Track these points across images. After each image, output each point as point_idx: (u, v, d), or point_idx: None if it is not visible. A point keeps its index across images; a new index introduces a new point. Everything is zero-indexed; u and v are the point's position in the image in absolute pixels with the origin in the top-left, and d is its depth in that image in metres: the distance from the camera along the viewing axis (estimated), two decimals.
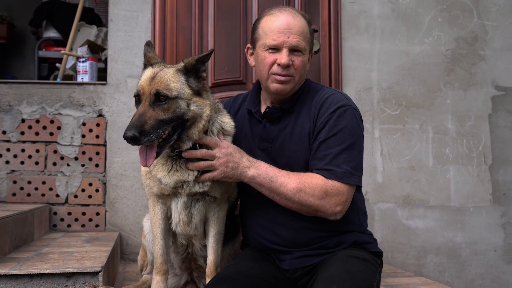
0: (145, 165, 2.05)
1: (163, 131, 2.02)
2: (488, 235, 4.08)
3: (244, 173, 2.16)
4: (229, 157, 2.16)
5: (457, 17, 4.13)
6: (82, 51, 4.26)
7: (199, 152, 2.16)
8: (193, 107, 2.12)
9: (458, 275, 4.02)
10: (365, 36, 4.00)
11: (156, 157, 2.06)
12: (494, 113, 4.15)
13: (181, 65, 2.18)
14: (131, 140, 1.95)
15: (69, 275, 2.16)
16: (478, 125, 4.12)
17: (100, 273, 2.18)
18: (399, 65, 4.03)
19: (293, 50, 2.21)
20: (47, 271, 2.14)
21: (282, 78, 2.22)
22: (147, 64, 2.24)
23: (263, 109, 2.40)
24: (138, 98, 2.10)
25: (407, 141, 4.01)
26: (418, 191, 4.00)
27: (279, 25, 2.20)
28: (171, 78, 2.09)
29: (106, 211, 3.64)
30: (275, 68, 2.22)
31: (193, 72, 2.17)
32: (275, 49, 2.21)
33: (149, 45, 2.31)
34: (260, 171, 2.16)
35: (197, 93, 2.16)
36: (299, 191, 2.12)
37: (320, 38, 3.88)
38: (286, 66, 2.19)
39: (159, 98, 2.05)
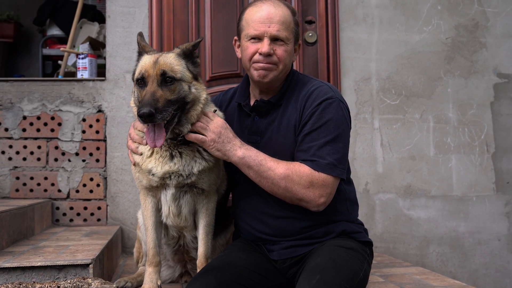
0: (154, 146, 2.09)
1: (171, 111, 2.08)
2: (491, 224, 4.04)
3: (234, 150, 2.18)
4: (223, 130, 2.18)
5: (457, 5, 4.08)
6: (84, 48, 4.30)
7: (194, 136, 2.19)
8: (193, 90, 2.19)
9: (461, 265, 4.00)
10: (363, 26, 3.97)
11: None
12: (496, 101, 4.09)
13: (178, 50, 2.25)
14: (148, 116, 1.98)
15: (60, 268, 2.21)
16: (480, 113, 4.07)
17: (90, 265, 2.22)
18: (398, 54, 4.00)
19: (274, 39, 2.23)
20: (38, 264, 2.18)
21: (264, 65, 2.24)
22: (142, 51, 2.30)
23: (252, 102, 2.42)
24: (142, 80, 2.15)
25: (407, 131, 3.98)
26: (420, 181, 3.98)
27: (260, 15, 2.24)
28: (174, 61, 2.18)
29: (107, 205, 3.69)
30: (256, 57, 2.25)
31: (189, 57, 2.25)
32: (257, 38, 2.25)
33: (141, 35, 2.38)
34: (250, 152, 2.18)
35: (195, 77, 2.24)
36: (286, 177, 2.14)
37: (318, 29, 3.87)
38: (267, 55, 2.22)
39: (166, 79, 2.12)
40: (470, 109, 4.06)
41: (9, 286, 1.96)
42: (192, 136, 2.19)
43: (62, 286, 1.95)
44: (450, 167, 4.01)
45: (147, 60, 2.19)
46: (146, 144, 2.18)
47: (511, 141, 4.08)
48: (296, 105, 2.28)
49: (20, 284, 1.99)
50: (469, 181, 4.03)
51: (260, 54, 2.22)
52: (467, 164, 4.03)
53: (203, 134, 2.19)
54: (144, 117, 2.00)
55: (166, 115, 2.06)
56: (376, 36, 3.98)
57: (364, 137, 3.92)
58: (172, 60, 2.18)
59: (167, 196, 2.31)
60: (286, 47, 2.25)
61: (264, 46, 2.21)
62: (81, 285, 1.97)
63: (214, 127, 2.20)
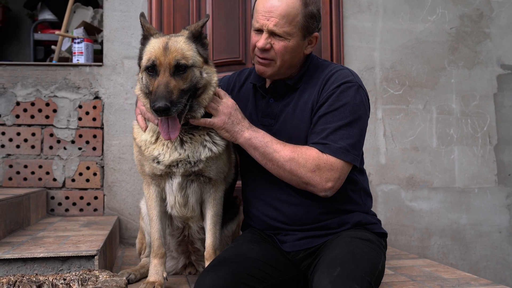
0: (169, 138, 2.01)
1: (184, 102, 1.99)
2: (493, 216, 4.01)
3: (241, 131, 2.13)
4: (233, 111, 2.14)
5: None
6: (78, 32, 4.17)
7: (203, 121, 2.14)
8: (204, 75, 2.10)
9: (462, 257, 3.97)
10: (367, 14, 3.89)
11: None
12: (499, 92, 4.05)
13: (186, 32, 2.14)
14: (164, 111, 1.90)
15: (64, 259, 2.10)
16: (483, 104, 4.03)
17: (95, 257, 2.12)
18: (402, 44, 3.93)
19: (272, 34, 2.13)
20: (41, 255, 2.08)
21: (261, 61, 2.19)
22: (148, 34, 2.17)
23: (268, 84, 2.33)
24: (152, 68, 2.04)
25: (410, 121, 3.92)
26: (422, 173, 3.92)
27: (263, 7, 2.14)
28: (185, 47, 2.07)
29: (104, 195, 3.58)
30: (256, 50, 2.18)
31: (199, 39, 2.15)
32: (259, 30, 2.16)
33: (143, 16, 2.26)
34: (257, 134, 2.13)
35: (205, 60, 2.15)
36: (291, 159, 2.07)
37: (321, 16, 3.76)
38: (263, 50, 2.15)
39: (179, 67, 2.02)
40: (473, 100, 4.01)
41: (12, 279, 1.85)
42: (202, 121, 2.12)
43: (68, 279, 1.85)
44: (453, 158, 3.96)
45: (155, 44, 2.06)
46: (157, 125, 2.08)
47: None
48: (315, 87, 2.20)
49: (23, 277, 1.88)
50: (471, 173, 3.99)
51: (258, 47, 2.15)
52: (469, 155, 3.99)
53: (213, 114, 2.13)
54: (160, 112, 1.91)
55: (180, 107, 1.97)
56: (380, 25, 3.90)
57: (367, 127, 3.83)
58: (183, 45, 2.06)
59: (172, 186, 2.22)
60: (286, 43, 2.14)
61: (260, 41, 2.14)
62: (89, 278, 1.86)
63: (225, 107, 2.14)
